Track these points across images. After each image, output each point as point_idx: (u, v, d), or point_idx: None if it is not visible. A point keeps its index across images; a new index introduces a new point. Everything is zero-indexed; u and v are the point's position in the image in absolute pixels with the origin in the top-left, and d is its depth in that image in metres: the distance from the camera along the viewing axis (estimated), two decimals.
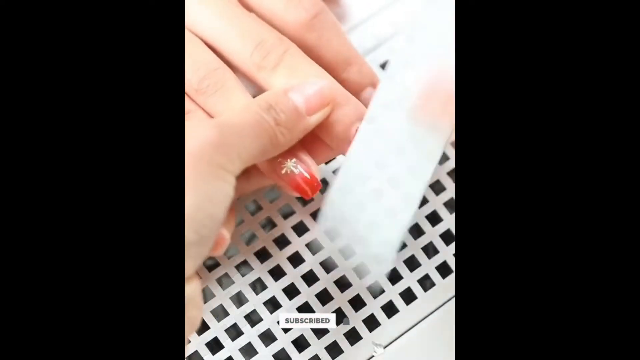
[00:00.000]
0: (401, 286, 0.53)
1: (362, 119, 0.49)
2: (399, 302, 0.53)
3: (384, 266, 0.48)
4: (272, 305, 0.53)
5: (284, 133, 0.48)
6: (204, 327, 0.52)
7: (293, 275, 0.53)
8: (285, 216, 0.54)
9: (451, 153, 0.55)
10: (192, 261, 0.45)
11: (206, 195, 0.45)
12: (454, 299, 0.53)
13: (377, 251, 0.47)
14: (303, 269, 0.53)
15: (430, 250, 0.54)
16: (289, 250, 0.53)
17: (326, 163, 0.54)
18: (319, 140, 0.50)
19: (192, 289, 0.45)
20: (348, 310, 0.53)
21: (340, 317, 0.53)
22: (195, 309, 0.45)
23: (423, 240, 0.54)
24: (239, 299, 0.53)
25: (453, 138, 0.48)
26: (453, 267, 0.54)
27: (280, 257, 0.53)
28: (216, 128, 0.46)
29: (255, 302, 0.53)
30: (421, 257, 0.54)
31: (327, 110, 0.49)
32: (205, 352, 0.52)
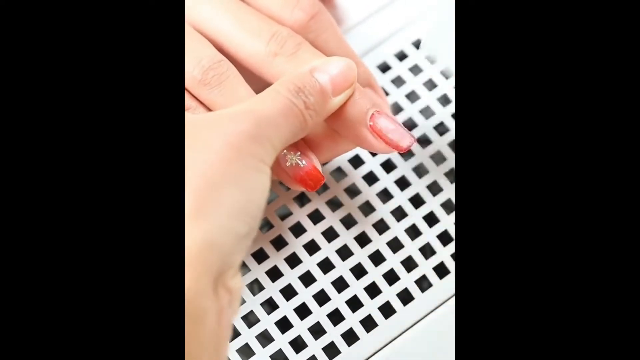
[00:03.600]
0: (398, 287, 0.53)
1: (376, 106, 0.50)
2: (396, 303, 0.53)
3: None
4: (270, 306, 0.53)
5: (312, 116, 0.48)
6: None
7: (290, 276, 0.53)
8: (283, 217, 0.54)
9: (449, 154, 0.55)
10: (242, 254, 0.45)
11: (251, 187, 0.45)
12: (451, 300, 0.53)
13: None
14: (300, 270, 0.53)
15: (427, 251, 0.54)
16: (286, 251, 0.53)
17: (323, 164, 0.55)
18: (320, 139, 0.51)
19: (239, 281, 0.45)
20: (345, 311, 0.53)
21: (338, 318, 0.53)
22: (237, 302, 0.46)
23: (420, 241, 0.54)
24: None
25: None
26: (450, 268, 0.54)
27: (277, 258, 0.53)
28: (252, 119, 0.46)
29: (253, 303, 0.53)
30: (418, 257, 0.54)
31: (350, 91, 0.50)
32: None
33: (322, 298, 0.53)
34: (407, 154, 0.55)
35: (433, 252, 0.54)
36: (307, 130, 0.49)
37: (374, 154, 0.55)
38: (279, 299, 0.53)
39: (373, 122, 0.50)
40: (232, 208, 0.44)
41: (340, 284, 0.53)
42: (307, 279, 0.53)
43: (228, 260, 0.44)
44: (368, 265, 0.53)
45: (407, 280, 0.53)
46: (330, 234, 0.54)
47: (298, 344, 0.52)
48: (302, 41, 0.51)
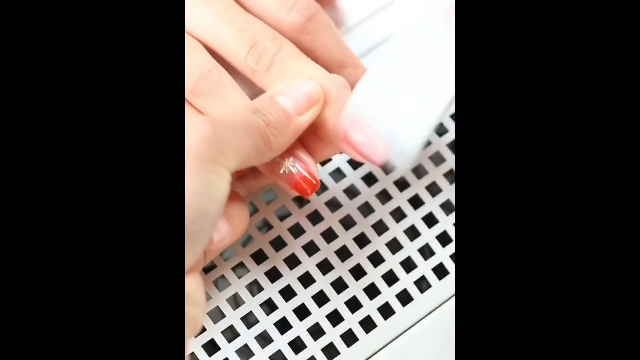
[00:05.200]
0: (397, 288, 0.53)
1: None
2: (395, 304, 0.53)
3: (408, 162, 0.47)
4: (269, 306, 0.53)
5: (275, 134, 0.48)
6: (200, 329, 0.52)
7: (289, 277, 0.53)
8: (282, 218, 0.54)
9: (448, 155, 0.55)
10: (190, 256, 0.44)
11: (195, 190, 0.44)
12: (450, 300, 0.53)
13: (402, 148, 0.47)
14: (299, 270, 0.53)
15: (426, 251, 0.54)
16: (285, 252, 0.53)
17: (322, 164, 0.55)
18: (318, 138, 0.51)
19: (191, 284, 0.45)
20: (344, 311, 0.53)
21: (337, 319, 0.53)
22: (192, 306, 0.45)
23: (419, 242, 0.54)
24: (236, 301, 0.53)
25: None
26: (449, 268, 0.54)
27: (276, 259, 0.53)
28: (208, 123, 0.46)
29: (252, 303, 0.53)
30: (417, 258, 0.54)
31: (317, 108, 0.49)
32: (201, 354, 0.52)
33: (321, 299, 0.53)
34: None
35: (432, 253, 0.54)
36: (273, 149, 0.48)
37: None
38: (278, 299, 0.53)
39: (347, 137, 0.49)
40: None
41: (339, 285, 0.53)
42: (306, 279, 0.53)
43: None
44: (367, 266, 0.53)
45: (406, 281, 0.53)
46: (329, 235, 0.54)
47: (297, 345, 0.52)
48: (279, 49, 0.50)
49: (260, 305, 0.53)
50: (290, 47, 0.51)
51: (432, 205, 0.54)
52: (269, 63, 0.50)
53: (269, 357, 0.52)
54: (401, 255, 0.54)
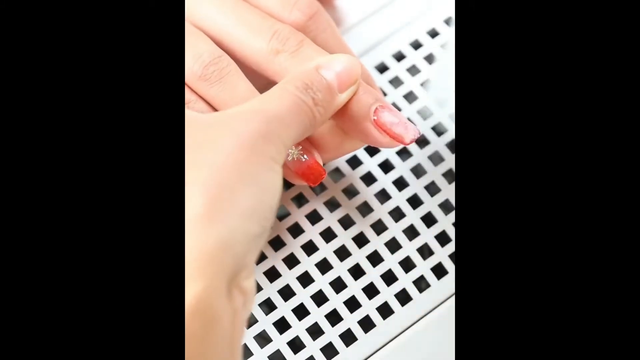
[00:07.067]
0: (396, 287, 0.53)
1: (379, 101, 0.50)
2: (394, 304, 0.53)
3: None
4: (268, 306, 0.53)
5: (321, 112, 0.48)
6: None
7: (288, 276, 0.53)
8: (281, 218, 0.54)
9: (447, 155, 0.55)
10: (255, 254, 0.45)
11: (264, 187, 0.45)
12: (449, 300, 0.53)
13: None
14: (299, 270, 0.53)
15: (425, 251, 0.54)
16: (284, 252, 0.53)
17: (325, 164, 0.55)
18: (325, 138, 0.51)
19: (253, 281, 0.45)
20: (343, 311, 0.53)
21: (336, 318, 0.53)
22: (250, 303, 0.46)
23: (418, 242, 0.54)
24: None
25: None
26: (448, 268, 0.54)
27: (275, 259, 0.53)
28: (263, 118, 0.46)
29: None
30: (416, 258, 0.54)
31: (355, 87, 0.49)
32: None
33: (320, 298, 0.53)
34: (405, 155, 0.55)
35: (431, 253, 0.54)
36: (316, 127, 0.48)
37: (372, 155, 0.55)
38: (277, 299, 0.53)
39: (377, 117, 0.49)
40: (245, 209, 0.44)
41: (338, 285, 0.53)
42: (305, 279, 0.53)
43: (242, 261, 0.44)
44: (366, 265, 0.53)
45: (405, 280, 0.53)
46: (328, 235, 0.54)
47: (296, 345, 0.52)
48: (304, 38, 0.51)
49: (259, 304, 0.53)
50: (309, 39, 0.51)
51: (431, 205, 0.55)
52: (297, 45, 0.50)
53: (268, 357, 0.52)
54: (400, 255, 0.54)
